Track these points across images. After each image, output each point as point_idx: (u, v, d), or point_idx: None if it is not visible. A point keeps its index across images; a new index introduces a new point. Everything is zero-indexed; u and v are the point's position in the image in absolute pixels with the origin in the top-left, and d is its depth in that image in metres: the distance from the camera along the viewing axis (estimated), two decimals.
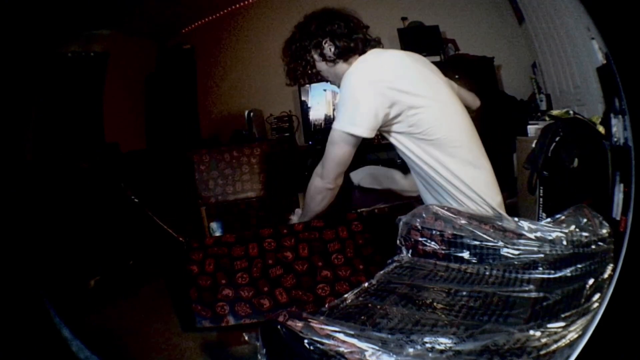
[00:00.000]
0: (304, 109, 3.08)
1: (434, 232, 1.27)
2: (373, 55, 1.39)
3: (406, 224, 1.31)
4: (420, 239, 1.28)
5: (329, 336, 0.71)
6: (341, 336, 0.71)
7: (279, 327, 0.75)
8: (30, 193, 1.51)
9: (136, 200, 1.94)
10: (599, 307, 0.80)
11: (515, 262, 1.16)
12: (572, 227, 1.18)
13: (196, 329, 1.25)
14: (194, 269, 1.30)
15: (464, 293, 1.02)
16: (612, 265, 0.92)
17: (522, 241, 1.19)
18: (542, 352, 0.69)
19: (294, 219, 1.56)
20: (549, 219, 1.25)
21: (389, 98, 1.27)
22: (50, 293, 1.19)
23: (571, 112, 1.80)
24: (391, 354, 0.67)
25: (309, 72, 1.48)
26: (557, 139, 1.67)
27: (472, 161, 1.34)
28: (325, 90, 2.95)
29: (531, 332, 0.71)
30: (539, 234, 1.19)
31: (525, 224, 1.22)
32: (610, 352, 0.79)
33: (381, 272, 1.20)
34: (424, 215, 1.29)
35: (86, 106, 2.53)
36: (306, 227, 1.38)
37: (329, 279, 1.31)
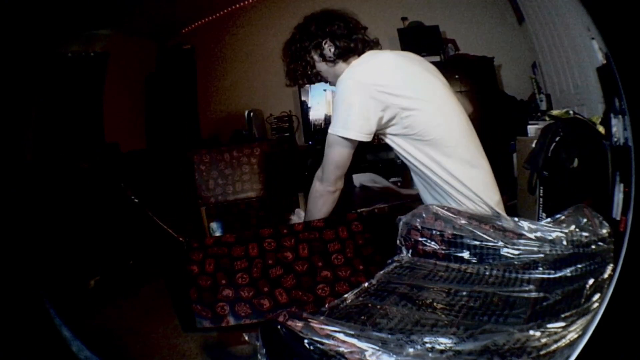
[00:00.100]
0: (304, 109, 3.08)
1: (434, 232, 1.27)
2: (367, 58, 1.39)
3: (406, 224, 1.31)
4: (420, 239, 1.28)
5: (329, 336, 0.71)
6: (341, 336, 0.71)
7: (279, 327, 0.75)
8: (30, 193, 1.51)
9: (136, 200, 1.94)
10: (599, 307, 0.80)
11: (515, 262, 1.16)
12: (572, 227, 1.18)
13: (196, 329, 1.25)
14: (194, 269, 1.30)
15: (464, 293, 1.02)
16: (612, 265, 0.92)
17: (522, 241, 1.19)
18: (542, 352, 0.69)
19: (294, 219, 1.57)
20: (549, 219, 1.25)
21: (382, 102, 1.28)
22: (50, 293, 1.19)
23: (571, 112, 1.80)
24: (391, 354, 0.67)
25: (309, 72, 1.49)
26: (557, 139, 1.67)
27: (469, 160, 1.34)
28: (325, 90, 2.95)
29: (531, 332, 0.71)
30: (539, 234, 1.19)
31: (525, 224, 1.22)
32: (610, 352, 0.79)
33: (381, 272, 1.20)
34: (424, 215, 1.29)
35: (86, 106, 2.53)
36: (306, 227, 1.38)
37: (329, 279, 1.31)
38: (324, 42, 1.44)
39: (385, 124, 1.32)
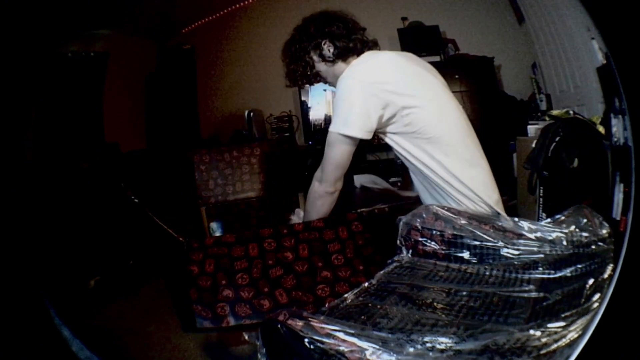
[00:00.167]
0: (304, 109, 3.08)
1: (434, 232, 1.27)
2: (367, 58, 1.40)
3: (406, 224, 1.31)
4: (420, 239, 1.28)
5: (329, 335, 0.71)
6: (341, 335, 0.71)
7: (279, 326, 0.75)
8: (30, 193, 1.51)
9: (136, 200, 1.94)
10: (599, 307, 0.80)
11: (516, 262, 1.16)
12: (572, 228, 1.18)
13: (196, 329, 1.25)
14: (194, 269, 1.30)
15: (464, 293, 1.02)
16: (612, 265, 0.92)
17: (522, 241, 1.19)
18: (543, 352, 0.69)
19: (294, 219, 1.57)
20: (549, 219, 1.25)
21: (382, 99, 1.28)
22: (50, 293, 1.19)
23: (571, 112, 1.80)
24: (391, 353, 0.67)
25: (309, 73, 1.49)
26: (557, 139, 1.67)
27: (469, 159, 1.35)
28: (325, 90, 2.96)
29: (531, 331, 0.71)
30: (539, 234, 1.19)
31: (525, 224, 1.22)
32: (610, 352, 0.80)
33: (381, 272, 1.20)
34: (424, 215, 1.29)
35: (86, 106, 2.53)
36: (306, 227, 1.38)
37: (329, 279, 1.31)
38: (323, 43, 1.45)
39: (385, 122, 1.32)
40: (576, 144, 1.68)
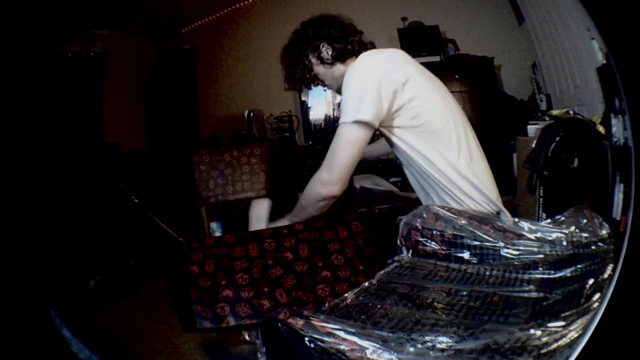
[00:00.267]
0: (304, 109, 3.08)
1: (434, 232, 1.27)
2: (371, 52, 1.41)
3: (407, 224, 1.31)
4: (420, 239, 1.28)
5: (329, 334, 0.71)
6: (342, 334, 0.71)
7: (279, 325, 0.74)
8: (30, 193, 1.51)
9: (136, 200, 1.94)
10: (599, 307, 0.80)
11: (516, 263, 1.16)
12: (572, 228, 1.18)
13: (196, 329, 1.25)
14: (194, 269, 1.30)
15: (464, 293, 1.02)
16: (612, 265, 0.92)
17: (522, 241, 1.19)
18: (543, 351, 0.69)
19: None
20: (549, 220, 1.25)
21: (392, 88, 1.28)
22: (50, 293, 1.19)
23: (571, 112, 1.81)
24: (392, 352, 0.67)
25: (307, 76, 1.50)
26: (557, 139, 1.67)
27: (471, 154, 1.36)
28: (325, 90, 2.95)
29: (532, 331, 0.71)
30: (539, 235, 1.19)
31: (525, 225, 1.22)
32: (610, 352, 0.80)
33: (381, 272, 1.20)
34: (424, 215, 1.29)
35: (86, 106, 2.53)
36: (306, 227, 1.38)
37: (329, 279, 1.31)
38: (321, 45, 1.46)
39: (393, 113, 1.31)
40: (576, 144, 1.68)
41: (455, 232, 1.24)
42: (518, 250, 1.18)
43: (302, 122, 3.08)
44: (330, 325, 0.72)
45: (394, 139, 1.37)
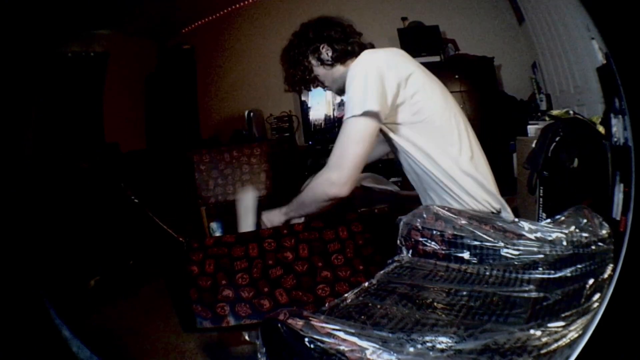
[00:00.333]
0: (304, 109, 3.08)
1: (434, 232, 1.27)
2: (374, 50, 1.40)
3: (407, 224, 1.31)
4: (420, 239, 1.28)
5: (329, 334, 0.71)
6: (342, 334, 0.71)
7: (279, 325, 0.74)
8: (30, 193, 1.51)
9: (136, 200, 1.94)
10: (599, 307, 0.80)
11: (516, 263, 1.16)
12: (572, 228, 1.18)
13: (196, 329, 1.25)
14: (194, 269, 1.30)
15: (464, 293, 1.02)
16: (612, 265, 0.92)
17: (522, 241, 1.19)
18: (543, 351, 0.69)
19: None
20: (549, 220, 1.25)
21: (397, 81, 1.28)
22: (50, 293, 1.19)
23: (571, 112, 1.81)
24: (392, 352, 0.67)
25: (307, 77, 1.50)
26: (557, 139, 1.67)
27: (472, 149, 1.36)
28: (325, 90, 2.95)
29: (532, 331, 0.71)
30: (539, 235, 1.19)
31: (525, 225, 1.22)
32: (610, 352, 0.80)
33: (381, 272, 1.20)
34: (424, 215, 1.29)
35: (86, 106, 2.54)
36: (306, 227, 1.38)
37: (329, 279, 1.30)
38: (321, 47, 1.47)
39: (396, 107, 1.31)
40: (576, 144, 1.68)
41: (455, 232, 1.24)
42: (518, 250, 1.18)
43: (302, 122, 3.09)
44: (330, 326, 0.72)
45: (395, 137, 1.36)
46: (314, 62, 1.49)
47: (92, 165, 2.31)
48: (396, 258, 1.29)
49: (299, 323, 0.73)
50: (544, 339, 0.70)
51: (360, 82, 1.26)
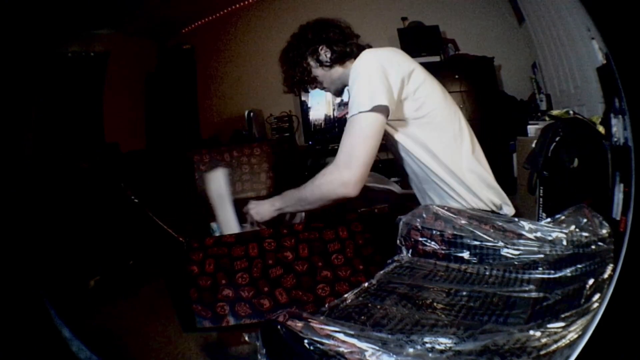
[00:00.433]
0: (304, 109, 3.08)
1: (434, 232, 1.27)
2: (374, 49, 1.41)
3: (406, 224, 1.31)
4: (420, 239, 1.28)
5: (329, 336, 0.71)
6: (341, 336, 0.71)
7: (279, 327, 0.74)
8: (30, 193, 1.51)
9: (136, 200, 1.94)
10: (599, 307, 0.80)
11: (515, 262, 1.16)
12: (572, 227, 1.18)
13: (196, 329, 1.25)
14: (194, 269, 1.30)
15: (464, 293, 1.02)
16: (612, 265, 0.92)
17: (522, 241, 1.19)
18: (542, 352, 0.69)
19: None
20: (549, 219, 1.25)
21: (400, 77, 1.28)
22: (50, 293, 1.19)
23: (571, 112, 1.80)
24: (391, 354, 0.67)
25: (306, 78, 1.51)
26: (557, 139, 1.67)
27: (472, 143, 1.38)
28: (323, 91, 2.95)
29: (531, 332, 0.71)
30: (539, 234, 1.19)
31: (525, 224, 1.22)
32: (610, 352, 0.80)
33: (381, 272, 1.20)
34: (424, 215, 1.29)
35: (86, 106, 2.54)
36: (306, 227, 1.38)
37: (329, 279, 1.31)
38: (320, 48, 1.48)
39: (401, 102, 1.31)
40: (576, 144, 1.68)
41: (455, 232, 1.24)
42: (518, 250, 1.18)
43: (302, 122, 3.09)
44: (329, 328, 0.72)
45: (396, 135, 1.36)
46: (312, 63, 1.50)
47: (92, 165, 2.31)
48: (396, 258, 1.29)
49: (298, 325, 0.73)
50: (544, 340, 0.70)
51: (366, 79, 1.26)
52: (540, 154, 1.70)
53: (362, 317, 0.89)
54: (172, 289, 1.63)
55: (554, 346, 0.70)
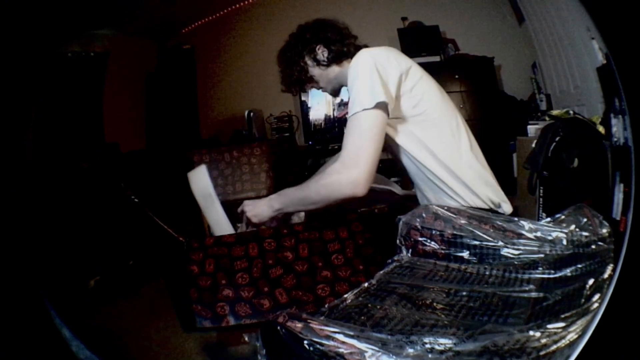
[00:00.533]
0: (304, 109, 3.09)
1: (433, 231, 1.26)
2: (371, 48, 1.41)
3: (406, 224, 1.31)
4: (420, 238, 1.28)
5: (328, 337, 0.71)
6: (341, 337, 0.70)
7: (278, 327, 0.74)
8: (30, 193, 1.51)
9: (136, 200, 1.94)
10: (598, 307, 0.80)
11: (515, 262, 1.16)
12: (572, 227, 1.18)
13: (196, 329, 1.25)
14: (194, 269, 1.30)
15: (464, 293, 1.02)
16: (612, 265, 0.92)
17: (522, 241, 1.19)
18: (542, 353, 0.69)
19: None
20: (549, 219, 1.25)
21: (398, 73, 1.29)
22: (50, 293, 1.19)
23: (571, 112, 1.81)
24: (391, 354, 0.67)
25: (303, 77, 1.52)
26: (557, 139, 1.67)
27: (470, 140, 1.38)
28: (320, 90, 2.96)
29: (531, 332, 0.71)
30: (539, 234, 1.19)
31: (525, 224, 1.22)
32: (610, 353, 0.79)
33: (381, 272, 1.20)
34: (423, 215, 1.29)
35: (86, 106, 2.54)
36: (306, 227, 1.38)
37: (329, 279, 1.31)
38: (317, 47, 1.49)
39: (398, 99, 1.31)
40: (576, 144, 1.68)
41: (455, 232, 1.24)
42: (518, 249, 1.18)
43: (302, 122, 3.09)
44: (329, 328, 0.72)
45: (394, 133, 1.35)
46: (309, 62, 1.51)
47: (92, 165, 2.31)
48: (396, 258, 1.29)
49: (298, 325, 0.73)
50: (543, 340, 0.70)
51: (366, 76, 1.26)
52: (540, 154, 1.70)
53: (362, 318, 0.89)
54: (172, 289, 1.63)
55: (554, 346, 0.70)
